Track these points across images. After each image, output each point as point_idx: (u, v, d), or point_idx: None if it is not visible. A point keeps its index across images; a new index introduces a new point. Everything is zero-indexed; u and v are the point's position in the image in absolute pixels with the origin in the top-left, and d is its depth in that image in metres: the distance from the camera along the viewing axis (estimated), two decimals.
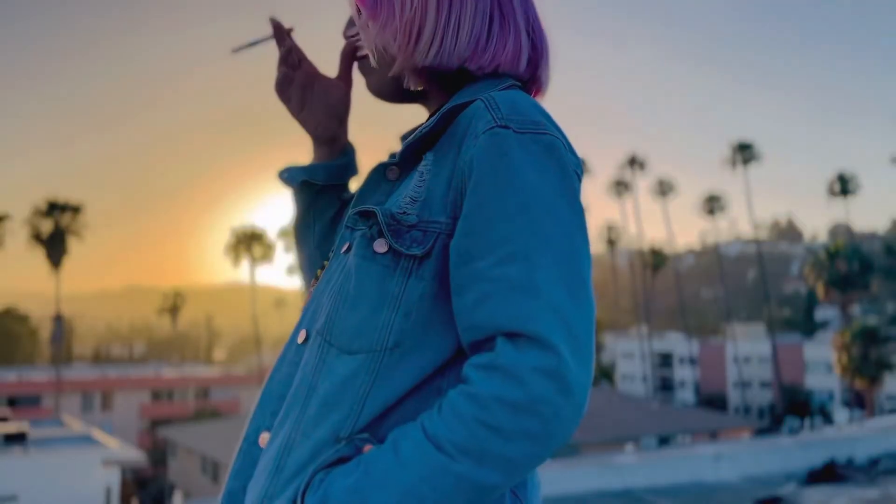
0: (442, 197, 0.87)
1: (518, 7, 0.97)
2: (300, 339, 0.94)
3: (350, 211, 0.95)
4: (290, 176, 1.15)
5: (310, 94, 1.13)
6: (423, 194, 0.88)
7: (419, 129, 0.94)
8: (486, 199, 0.82)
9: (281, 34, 1.10)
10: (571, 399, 0.76)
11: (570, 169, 0.86)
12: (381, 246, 0.87)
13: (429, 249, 0.86)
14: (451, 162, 0.88)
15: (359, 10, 0.98)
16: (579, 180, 0.88)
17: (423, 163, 0.91)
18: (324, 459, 0.83)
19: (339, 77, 1.13)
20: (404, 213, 0.87)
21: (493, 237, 0.81)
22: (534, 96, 1.03)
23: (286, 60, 1.11)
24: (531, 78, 1.01)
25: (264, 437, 0.92)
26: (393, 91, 1.03)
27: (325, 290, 0.94)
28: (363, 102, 1.15)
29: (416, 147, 0.93)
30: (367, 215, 0.89)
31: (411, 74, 0.96)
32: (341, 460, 0.82)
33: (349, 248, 0.93)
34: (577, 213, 0.84)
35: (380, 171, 0.97)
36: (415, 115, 1.08)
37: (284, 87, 1.13)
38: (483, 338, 0.81)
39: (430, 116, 1.01)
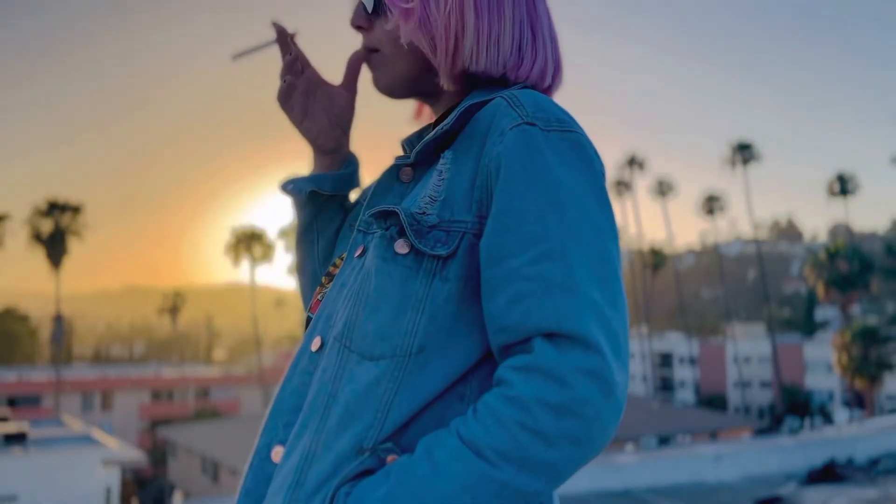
0: (465, 196, 0.84)
1: (545, 21, 0.97)
2: (314, 347, 0.91)
3: (364, 213, 0.92)
4: (295, 187, 1.10)
5: (312, 103, 1.09)
6: (442, 193, 0.85)
7: (437, 128, 0.91)
8: (517, 196, 0.80)
9: (284, 39, 1.05)
10: (613, 400, 0.74)
11: (597, 167, 0.84)
12: (402, 247, 0.84)
13: (454, 250, 0.83)
14: (473, 160, 0.85)
15: (378, 2, 0.96)
16: (604, 179, 0.86)
17: (441, 161, 0.88)
18: (347, 472, 0.79)
19: (344, 84, 1.09)
20: (424, 213, 0.84)
21: (526, 235, 0.78)
22: None
23: (290, 68, 1.06)
24: (546, 89, 0.99)
25: (278, 452, 0.88)
26: (404, 88, 1.00)
27: (339, 296, 0.91)
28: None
29: (433, 147, 0.91)
30: (386, 216, 0.86)
31: (448, 76, 0.93)
32: (365, 472, 0.79)
33: (364, 252, 0.91)
34: (606, 212, 0.82)
35: (393, 172, 0.95)
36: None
37: (287, 97, 1.08)
38: (517, 340, 0.78)
39: (443, 115, 1.00)
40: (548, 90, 1.00)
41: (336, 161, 1.12)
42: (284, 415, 0.90)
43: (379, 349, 0.82)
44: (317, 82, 1.09)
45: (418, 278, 0.83)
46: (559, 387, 0.72)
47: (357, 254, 0.92)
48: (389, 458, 0.79)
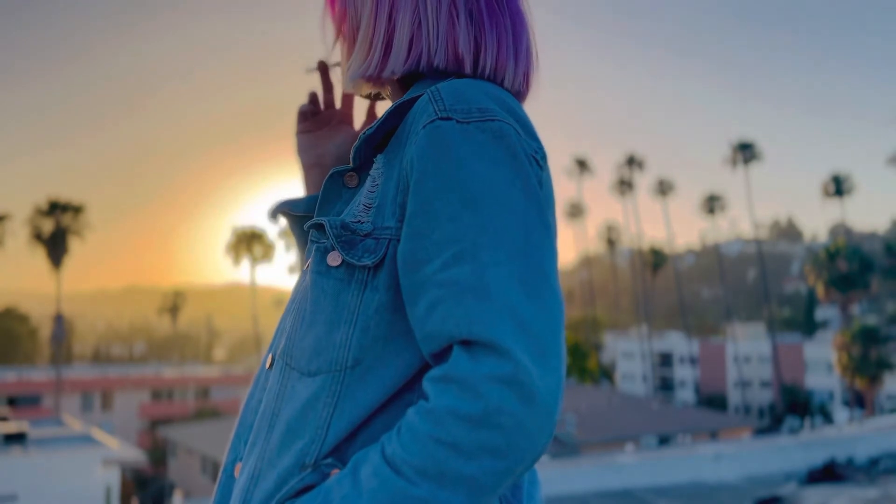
0: (392, 201, 0.82)
1: (493, 6, 0.90)
2: (268, 364, 0.91)
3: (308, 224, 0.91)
4: (270, 213, 1.08)
5: (327, 129, 1.12)
6: (376, 200, 0.83)
7: (363, 132, 0.89)
8: (429, 197, 0.76)
9: (325, 73, 1.09)
10: (536, 407, 0.69)
11: (522, 155, 0.79)
12: (334, 259, 0.82)
13: (381, 258, 0.81)
14: (398, 162, 0.82)
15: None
16: (539, 166, 0.81)
17: (374, 166, 0.86)
18: (289, 489, 0.79)
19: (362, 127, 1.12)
20: (359, 221, 0.82)
21: (439, 238, 0.75)
22: (525, 94, 0.94)
23: (316, 98, 1.10)
24: (481, 75, 0.89)
25: (239, 468, 0.89)
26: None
27: (289, 310, 0.91)
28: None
29: (365, 150, 0.88)
30: (319, 228, 0.85)
31: (354, 86, 0.96)
32: (307, 489, 0.78)
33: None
34: (533, 202, 0.77)
35: (337, 179, 0.91)
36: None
37: (306, 115, 1.11)
38: (440, 348, 0.75)
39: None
40: (483, 76, 0.89)
41: (319, 184, 1.12)
42: (245, 432, 0.90)
43: (315, 365, 0.81)
44: (341, 117, 1.12)
45: (350, 290, 0.81)
46: (472, 397, 0.69)
47: (306, 266, 0.91)
48: (333, 472, 0.78)
